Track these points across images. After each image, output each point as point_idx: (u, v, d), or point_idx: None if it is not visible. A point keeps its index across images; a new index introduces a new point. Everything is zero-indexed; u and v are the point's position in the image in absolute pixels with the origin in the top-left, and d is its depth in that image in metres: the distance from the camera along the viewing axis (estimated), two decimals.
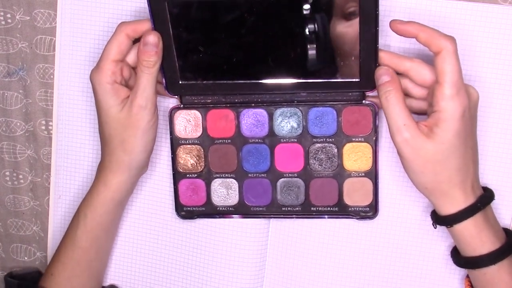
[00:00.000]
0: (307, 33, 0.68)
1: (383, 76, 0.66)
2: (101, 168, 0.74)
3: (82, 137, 0.81)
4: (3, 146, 0.83)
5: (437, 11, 0.72)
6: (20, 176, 0.84)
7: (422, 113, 0.70)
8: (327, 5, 0.66)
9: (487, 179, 0.75)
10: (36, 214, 0.84)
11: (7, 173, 0.84)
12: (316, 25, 0.68)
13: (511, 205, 0.75)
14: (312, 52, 0.69)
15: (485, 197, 0.68)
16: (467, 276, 0.73)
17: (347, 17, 0.67)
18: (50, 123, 0.81)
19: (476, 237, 0.67)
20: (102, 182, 0.73)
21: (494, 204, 0.73)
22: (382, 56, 0.68)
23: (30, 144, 0.83)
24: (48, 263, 0.81)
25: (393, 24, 0.66)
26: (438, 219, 0.69)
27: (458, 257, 0.71)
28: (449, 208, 0.67)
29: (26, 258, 0.86)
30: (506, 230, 0.71)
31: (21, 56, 0.80)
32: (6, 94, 0.81)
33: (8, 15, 0.79)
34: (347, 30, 0.68)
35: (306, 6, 0.66)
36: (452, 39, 0.63)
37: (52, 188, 0.83)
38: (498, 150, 0.74)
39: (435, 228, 0.72)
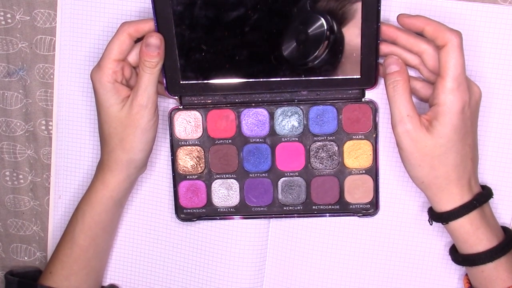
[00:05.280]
0: (325, 28, 0.68)
1: (392, 65, 0.67)
2: (100, 167, 0.74)
3: (82, 137, 0.81)
4: (3, 146, 0.83)
5: (437, 11, 0.72)
6: (20, 176, 0.84)
7: (424, 100, 0.71)
8: (343, 14, 0.68)
9: (487, 177, 0.75)
10: (36, 214, 0.84)
11: (7, 173, 0.84)
12: (334, 26, 0.68)
13: (511, 204, 0.75)
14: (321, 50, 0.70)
15: (482, 195, 0.69)
16: (466, 274, 0.73)
17: None
18: (50, 123, 0.81)
19: (473, 235, 0.67)
20: (100, 181, 0.73)
21: (494, 202, 0.74)
22: (400, 35, 0.68)
23: (30, 144, 0.82)
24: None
25: (400, 18, 0.67)
26: (434, 215, 0.70)
27: (455, 255, 0.71)
28: (445, 204, 0.68)
29: (26, 258, 0.86)
30: (504, 228, 0.71)
31: (21, 56, 0.80)
32: (6, 94, 0.81)
33: (8, 15, 0.79)
34: None
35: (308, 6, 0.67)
36: (457, 33, 0.64)
37: (52, 188, 0.83)
38: (499, 149, 0.74)
39: (430, 224, 0.72)
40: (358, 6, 0.67)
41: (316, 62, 0.70)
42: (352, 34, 0.68)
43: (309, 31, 0.69)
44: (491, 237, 0.67)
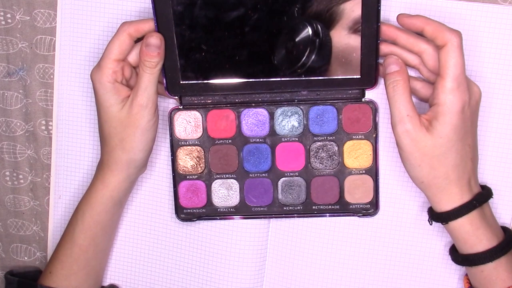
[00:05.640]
0: (310, 34, 0.68)
1: (392, 65, 0.67)
2: (100, 167, 0.74)
3: (82, 137, 0.81)
4: (3, 146, 0.83)
5: (437, 11, 0.72)
6: (20, 176, 0.84)
7: (424, 100, 0.71)
8: (330, 16, 0.68)
9: (487, 177, 0.75)
10: (36, 214, 0.84)
11: (7, 173, 0.84)
12: (320, 29, 0.68)
13: (511, 204, 0.75)
14: (311, 56, 0.70)
15: (482, 195, 0.69)
16: (466, 274, 0.73)
17: (356, 31, 0.68)
18: (50, 123, 0.81)
19: (473, 235, 0.67)
20: (100, 181, 0.73)
21: (494, 202, 0.74)
22: (399, 35, 0.68)
23: (30, 144, 0.82)
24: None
25: (400, 17, 0.67)
26: (434, 215, 0.70)
27: (455, 254, 0.71)
28: (445, 204, 0.68)
29: (26, 258, 0.86)
30: (504, 228, 0.71)
31: (21, 56, 0.80)
32: (6, 94, 0.81)
33: (8, 15, 0.79)
34: (356, 43, 0.68)
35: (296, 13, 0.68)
36: (457, 33, 0.64)
37: (52, 188, 0.83)
38: (498, 149, 0.74)
39: (430, 224, 0.72)
40: (346, 6, 0.67)
41: (305, 68, 0.70)
42: (341, 35, 0.68)
43: (296, 38, 0.69)
44: (491, 237, 0.67)
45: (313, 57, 0.69)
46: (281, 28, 0.68)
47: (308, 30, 0.68)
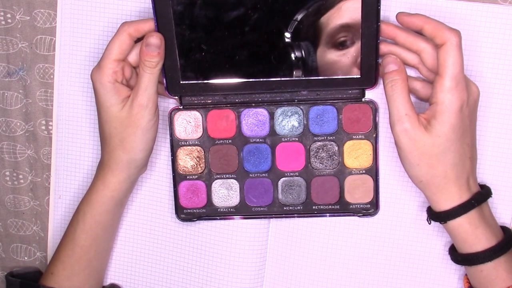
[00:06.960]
0: (293, 59, 0.69)
1: (390, 64, 0.67)
2: (101, 167, 0.74)
3: (82, 137, 0.81)
4: (3, 146, 0.83)
5: (437, 11, 0.72)
6: (20, 176, 0.83)
7: (425, 100, 0.71)
8: (314, 33, 0.68)
9: (486, 177, 0.75)
10: (36, 214, 0.84)
11: (7, 173, 0.84)
12: (302, 52, 0.69)
13: (510, 204, 0.75)
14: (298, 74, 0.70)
15: (480, 195, 0.69)
16: (466, 273, 0.73)
17: (338, 46, 0.68)
18: (50, 123, 0.81)
19: (471, 234, 0.67)
20: (101, 181, 0.73)
21: (494, 202, 0.74)
22: (399, 33, 0.68)
23: (30, 144, 0.82)
24: (48, 263, 0.81)
25: (399, 16, 0.67)
26: (433, 215, 0.70)
27: (455, 254, 0.71)
28: (443, 204, 0.68)
29: (26, 258, 0.86)
30: (503, 227, 0.71)
31: (21, 56, 0.80)
32: (6, 94, 0.81)
33: (8, 15, 0.79)
34: (340, 59, 0.69)
35: (288, 34, 0.68)
36: (456, 32, 0.64)
37: (52, 188, 0.83)
38: (498, 148, 0.75)
39: (429, 223, 0.72)
40: (322, 20, 0.67)
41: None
42: (323, 52, 0.69)
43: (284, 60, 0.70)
44: (490, 236, 0.67)
45: (302, 76, 0.71)
46: (281, 28, 0.68)
47: (291, 54, 0.69)
